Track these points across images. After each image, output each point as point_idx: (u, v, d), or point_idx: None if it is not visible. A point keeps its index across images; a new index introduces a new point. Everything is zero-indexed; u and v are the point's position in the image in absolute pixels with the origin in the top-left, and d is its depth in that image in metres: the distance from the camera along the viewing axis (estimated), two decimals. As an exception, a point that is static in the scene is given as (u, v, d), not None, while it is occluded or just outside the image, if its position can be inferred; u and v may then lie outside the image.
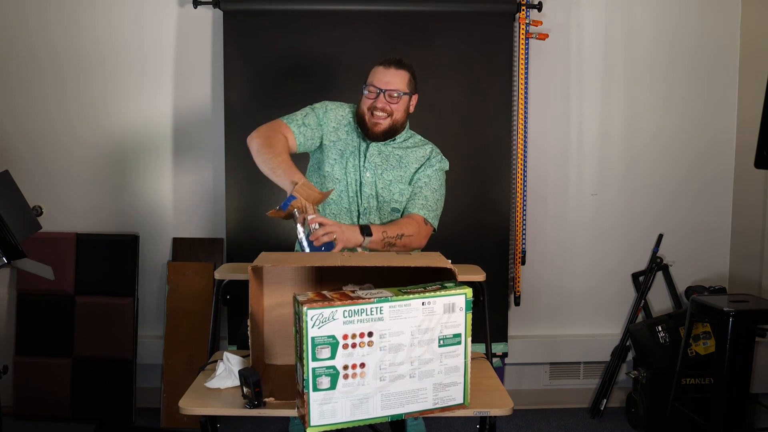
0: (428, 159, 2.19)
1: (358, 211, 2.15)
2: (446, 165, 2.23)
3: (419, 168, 2.17)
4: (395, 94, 2.07)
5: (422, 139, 2.25)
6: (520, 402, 3.30)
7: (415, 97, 2.17)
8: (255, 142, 2.04)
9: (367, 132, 2.12)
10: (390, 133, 2.13)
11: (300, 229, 1.91)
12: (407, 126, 2.22)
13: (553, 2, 3.22)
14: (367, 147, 2.15)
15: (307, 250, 1.92)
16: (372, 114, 2.08)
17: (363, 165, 2.14)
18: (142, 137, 3.23)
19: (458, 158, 3.05)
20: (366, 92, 2.11)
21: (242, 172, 3.03)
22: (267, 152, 2.00)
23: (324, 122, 2.16)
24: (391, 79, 2.08)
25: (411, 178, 2.17)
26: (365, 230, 1.98)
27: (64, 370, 3.14)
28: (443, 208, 2.23)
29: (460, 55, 3.08)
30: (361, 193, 2.14)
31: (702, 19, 3.31)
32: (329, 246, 1.90)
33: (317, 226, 1.89)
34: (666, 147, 3.35)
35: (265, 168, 2.00)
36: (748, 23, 3.28)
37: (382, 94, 2.07)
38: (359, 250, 1.97)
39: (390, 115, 2.09)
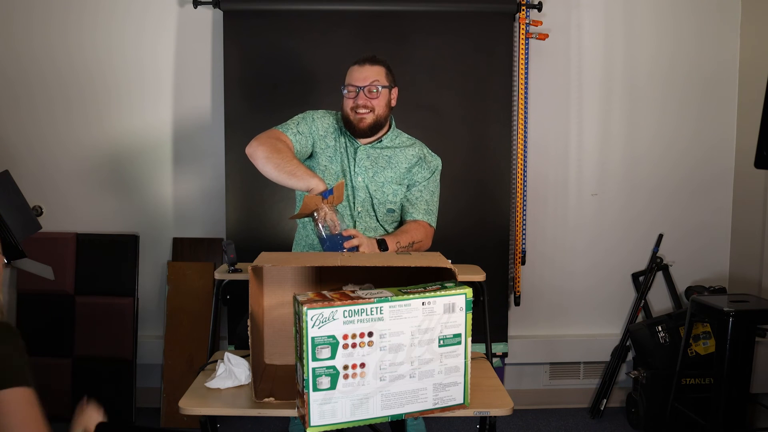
0: (421, 160, 2.19)
1: (351, 215, 2.15)
2: (439, 163, 2.24)
3: (411, 168, 2.17)
4: (374, 89, 2.08)
5: (409, 137, 2.25)
6: (520, 402, 3.30)
7: (395, 91, 2.17)
8: (260, 149, 1.98)
9: (354, 130, 2.12)
10: (376, 128, 2.13)
11: (321, 226, 1.91)
12: (393, 124, 2.22)
13: (553, 2, 3.22)
14: (356, 151, 2.15)
15: (327, 245, 1.92)
16: (355, 112, 2.09)
17: (354, 170, 2.14)
18: (142, 136, 3.22)
19: (458, 158, 3.07)
20: (345, 92, 2.11)
21: (242, 172, 3.03)
22: (278, 157, 1.96)
23: (314, 130, 2.16)
24: (368, 75, 2.09)
25: (403, 177, 2.17)
26: (382, 244, 1.99)
27: (64, 370, 3.14)
28: (439, 205, 2.25)
29: (460, 55, 3.08)
30: (355, 198, 2.14)
31: (702, 18, 3.31)
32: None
33: (345, 226, 1.94)
34: (666, 147, 3.35)
35: (278, 172, 1.95)
36: (748, 26, 3.28)
37: (361, 91, 2.08)
38: None
39: (372, 110, 2.09)
